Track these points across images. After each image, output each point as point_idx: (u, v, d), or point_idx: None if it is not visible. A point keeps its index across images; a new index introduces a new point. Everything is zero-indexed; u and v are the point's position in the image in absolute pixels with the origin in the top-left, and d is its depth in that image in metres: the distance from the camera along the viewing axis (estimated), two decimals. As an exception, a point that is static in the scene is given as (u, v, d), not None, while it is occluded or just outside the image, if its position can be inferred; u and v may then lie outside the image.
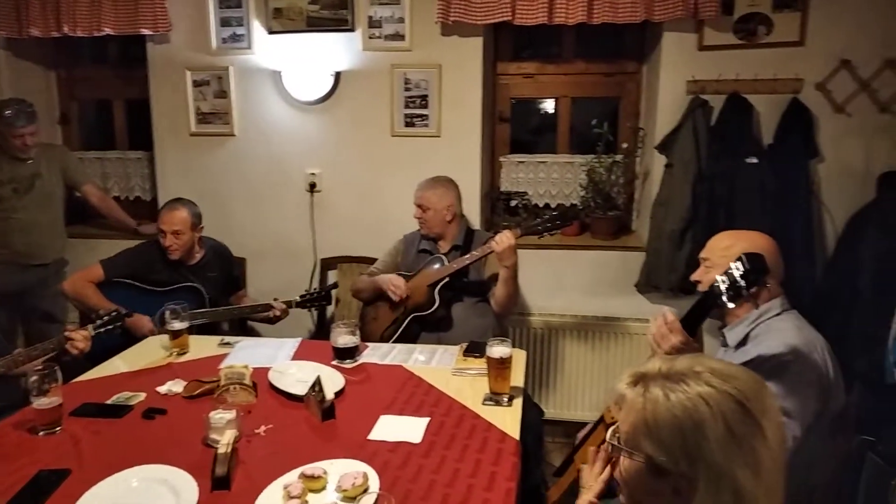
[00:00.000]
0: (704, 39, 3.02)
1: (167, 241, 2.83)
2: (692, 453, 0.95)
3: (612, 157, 3.33)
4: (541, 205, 3.57)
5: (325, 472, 1.59)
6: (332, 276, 3.47)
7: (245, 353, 2.43)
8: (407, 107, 3.31)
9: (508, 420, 1.93)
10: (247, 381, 2.03)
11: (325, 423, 1.91)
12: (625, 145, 3.36)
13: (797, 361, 1.64)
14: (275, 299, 2.88)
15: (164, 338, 2.48)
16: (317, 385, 1.95)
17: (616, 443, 1.06)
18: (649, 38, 3.29)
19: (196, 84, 3.48)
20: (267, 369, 2.22)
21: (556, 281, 3.35)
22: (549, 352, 3.37)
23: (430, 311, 2.74)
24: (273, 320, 2.90)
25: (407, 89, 3.29)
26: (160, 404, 2.04)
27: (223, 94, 3.46)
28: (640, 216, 3.45)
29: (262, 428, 1.87)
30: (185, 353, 2.45)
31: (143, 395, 2.09)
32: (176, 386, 2.14)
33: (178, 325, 2.43)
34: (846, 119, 2.96)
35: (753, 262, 1.51)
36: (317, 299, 2.95)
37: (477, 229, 3.11)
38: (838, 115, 2.96)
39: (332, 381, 2.11)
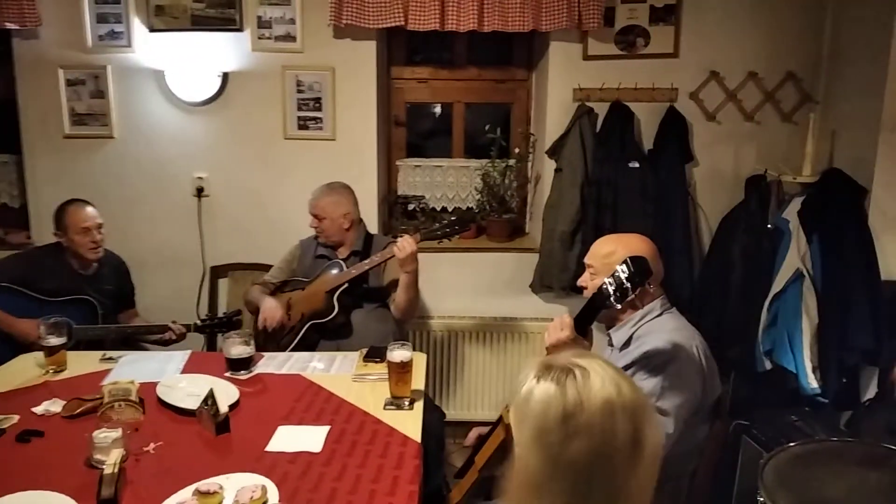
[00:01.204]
0: (589, 49, 3.16)
1: (95, 236, 2.68)
2: (518, 429, 1.04)
3: (505, 161, 3.42)
4: (438, 208, 3.61)
5: (220, 488, 1.53)
6: (223, 285, 3.34)
7: (130, 368, 2.30)
8: (300, 109, 3.25)
9: (410, 423, 1.94)
10: (133, 396, 1.92)
11: (220, 438, 1.84)
12: (517, 150, 3.46)
13: (677, 359, 1.74)
14: (173, 322, 2.73)
15: (39, 355, 2.30)
16: (209, 398, 1.87)
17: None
18: (537, 47, 3.41)
19: (70, 83, 3.25)
20: (154, 384, 2.12)
21: (454, 283, 3.40)
22: (450, 354, 3.40)
23: (328, 318, 2.69)
24: (167, 342, 2.75)
25: (300, 91, 3.23)
26: (36, 426, 1.89)
27: (100, 94, 3.25)
28: (533, 219, 3.56)
29: (152, 445, 1.78)
30: (62, 371, 2.29)
31: (16, 418, 1.93)
32: (54, 405, 1.99)
33: (55, 340, 2.27)
34: (717, 126, 3.20)
35: (637, 265, 1.61)
36: (218, 325, 2.79)
37: (375, 234, 3.10)
38: (710, 122, 3.20)
39: (226, 394, 2.04)
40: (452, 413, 3.38)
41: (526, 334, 3.36)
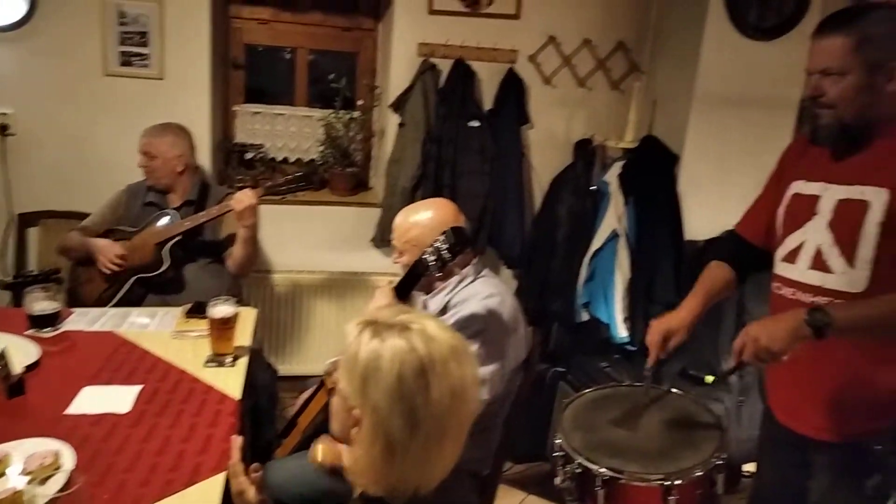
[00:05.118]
0: (434, 4, 3.14)
1: None
2: (364, 394, 1.06)
3: (349, 113, 3.36)
4: (279, 159, 3.49)
5: (6, 455, 1.42)
6: (33, 234, 3.03)
7: (-89, 327, 2.05)
8: (123, 43, 2.97)
9: (230, 380, 1.89)
10: None
11: (13, 401, 1.70)
12: (361, 102, 3.41)
13: (490, 327, 1.81)
14: None
15: None
16: (0, 358, 1.72)
17: (332, 370, 1.18)
18: (384, -4, 3.34)
19: None
20: (-61, 343, 1.91)
21: (295, 237, 3.32)
22: (291, 308, 3.35)
23: (157, 272, 2.55)
24: None
25: (122, 23, 2.95)
26: None
27: None
28: (377, 173, 3.55)
29: (-71, 412, 1.62)
30: None
31: None
32: None
33: None
34: (552, 90, 3.32)
35: (457, 236, 1.68)
36: (33, 283, 2.41)
37: (212, 184, 2.94)
38: (546, 86, 3.31)
39: (24, 353, 1.87)
40: (293, 368, 3.34)
41: (367, 288, 3.36)
